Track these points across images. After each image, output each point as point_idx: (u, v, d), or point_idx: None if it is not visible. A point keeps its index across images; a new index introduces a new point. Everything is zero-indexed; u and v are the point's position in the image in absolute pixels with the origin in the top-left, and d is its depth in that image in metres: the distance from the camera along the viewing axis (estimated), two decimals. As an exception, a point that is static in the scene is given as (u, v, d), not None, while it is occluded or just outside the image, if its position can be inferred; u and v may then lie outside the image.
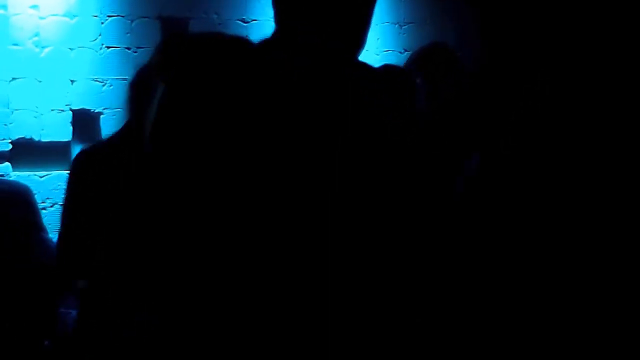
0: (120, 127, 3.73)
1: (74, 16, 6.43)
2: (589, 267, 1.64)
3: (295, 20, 1.73)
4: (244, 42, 1.79)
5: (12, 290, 3.96)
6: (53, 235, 4.73)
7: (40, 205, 6.15)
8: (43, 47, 6.34)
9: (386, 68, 4.06)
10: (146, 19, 6.65)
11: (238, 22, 6.88)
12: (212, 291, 1.59)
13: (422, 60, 4.50)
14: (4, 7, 6.22)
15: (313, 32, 1.66)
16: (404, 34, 7.35)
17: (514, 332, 1.62)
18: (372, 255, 1.56)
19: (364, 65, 1.68)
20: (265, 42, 1.77)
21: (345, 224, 1.55)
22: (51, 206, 6.27)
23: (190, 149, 1.59)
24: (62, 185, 6.19)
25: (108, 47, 6.56)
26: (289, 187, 1.56)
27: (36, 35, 6.32)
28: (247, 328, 1.58)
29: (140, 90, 3.36)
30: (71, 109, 6.43)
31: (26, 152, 6.30)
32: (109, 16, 6.55)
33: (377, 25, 7.08)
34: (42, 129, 6.35)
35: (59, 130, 6.40)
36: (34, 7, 6.30)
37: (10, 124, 6.26)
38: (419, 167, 1.56)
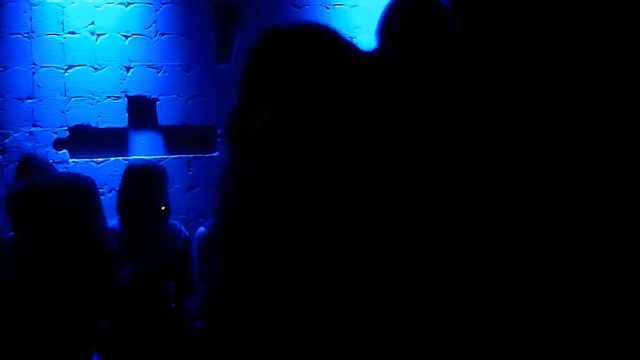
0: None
1: (129, 3, 6.50)
2: (593, 268, 1.63)
3: None
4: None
5: (76, 270, 4.08)
6: (110, 220, 4.81)
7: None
8: (98, 35, 6.42)
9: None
10: (199, 5, 6.69)
11: (291, 7, 6.89)
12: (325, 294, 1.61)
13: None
14: (60, -4, 6.31)
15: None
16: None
17: (514, 332, 1.61)
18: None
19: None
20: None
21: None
22: (109, 192, 6.35)
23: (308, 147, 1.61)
24: (119, 171, 6.28)
25: (162, 34, 6.61)
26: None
27: (91, 23, 6.40)
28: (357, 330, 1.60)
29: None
30: (127, 96, 6.50)
31: (83, 138, 6.40)
32: (163, 3, 6.61)
33: None
34: (99, 116, 6.43)
35: (115, 116, 6.48)
36: (90, -5, 6.38)
37: (68, 111, 6.35)
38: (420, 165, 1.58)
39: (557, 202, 1.63)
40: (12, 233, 4.50)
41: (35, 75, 6.27)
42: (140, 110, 6.56)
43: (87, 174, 6.21)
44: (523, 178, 1.62)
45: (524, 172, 1.63)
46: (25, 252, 4.08)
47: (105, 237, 4.30)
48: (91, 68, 6.40)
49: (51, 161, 6.22)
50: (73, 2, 6.33)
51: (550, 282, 1.62)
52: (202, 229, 5.13)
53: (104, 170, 6.43)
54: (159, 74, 6.59)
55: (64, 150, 6.36)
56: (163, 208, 4.80)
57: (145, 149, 6.58)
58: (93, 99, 6.41)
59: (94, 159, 6.43)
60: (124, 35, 6.50)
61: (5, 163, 6.17)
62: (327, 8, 6.87)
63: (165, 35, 6.62)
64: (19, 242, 4.19)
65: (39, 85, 6.27)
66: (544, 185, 1.63)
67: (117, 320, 4.60)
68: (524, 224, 1.61)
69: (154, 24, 6.58)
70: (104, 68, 6.43)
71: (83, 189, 4.31)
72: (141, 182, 4.81)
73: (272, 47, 1.85)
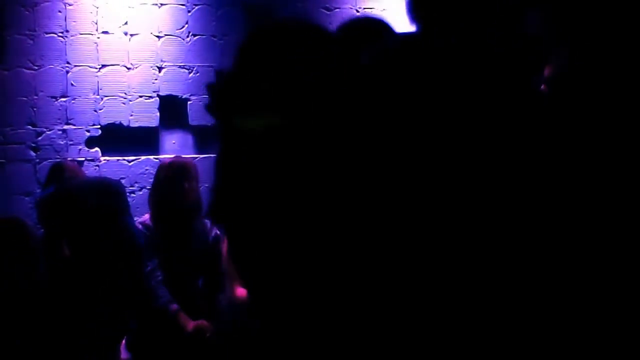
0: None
1: (162, 4, 6.57)
2: (593, 268, 1.63)
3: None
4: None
5: (104, 266, 4.17)
6: (142, 216, 4.88)
7: (129, 190, 6.32)
8: (132, 35, 6.50)
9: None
10: (231, 7, 6.75)
11: (321, 10, 6.93)
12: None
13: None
14: (95, -4, 6.40)
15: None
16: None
17: (514, 332, 1.61)
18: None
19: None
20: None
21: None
22: (140, 190, 6.42)
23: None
24: (150, 169, 6.35)
25: (194, 35, 6.68)
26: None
27: (125, 23, 6.48)
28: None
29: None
30: (158, 95, 6.57)
31: (115, 137, 6.47)
32: (196, 5, 6.67)
33: None
34: (131, 115, 6.50)
35: (147, 116, 6.55)
36: (123, -4, 6.46)
37: (100, 110, 6.43)
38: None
39: (557, 203, 1.64)
40: (42, 231, 4.60)
41: (69, 74, 6.35)
42: (172, 109, 6.62)
43: (118, 172, 6.33)
44: (524, 179, 1.63)
45: (526, 173, 1.64)
46: (56, 250, 4.19)
47: (132, 234, 4.38)
48: (124, 67, 6.48)
49: (83, 159, 6.32)
50: (107, 3, 6.42)
51: (550, 282, 1.62)
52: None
53: (135, 169, 6.50)
54: (191, 75, 6.65)
55: (96, 149, 6.43)
56: (194, 204, 4.85)
57: (175, 148, 6.64)
58: (125, 98, 6.48)
59: (125, 158, 6.51)
60: (157, 36, 6.57)
61: (38, 160, 6.26)
62: (357, 11, 6.91)
63: (197, 36, 6.68)
64: (50, 241, 4.30)
65: (72, 84, 6.36)
66: (544, 186, 1.64)
67: (145, 315, 4.65)
68: (524, 224, 1.62)
69: (186, 25, 6.65)
70: (136, 68, 6.50)
71: (110, 189, 4.43)
72: (169, 177, 4.87)
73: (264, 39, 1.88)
